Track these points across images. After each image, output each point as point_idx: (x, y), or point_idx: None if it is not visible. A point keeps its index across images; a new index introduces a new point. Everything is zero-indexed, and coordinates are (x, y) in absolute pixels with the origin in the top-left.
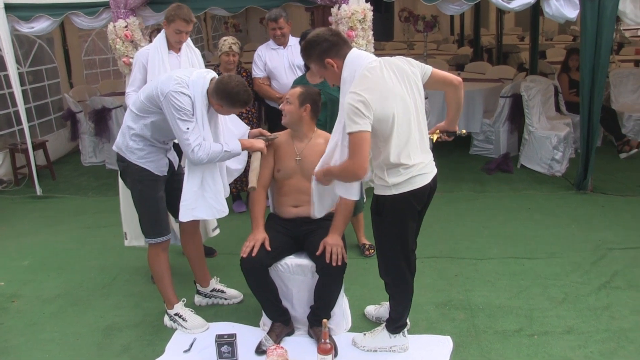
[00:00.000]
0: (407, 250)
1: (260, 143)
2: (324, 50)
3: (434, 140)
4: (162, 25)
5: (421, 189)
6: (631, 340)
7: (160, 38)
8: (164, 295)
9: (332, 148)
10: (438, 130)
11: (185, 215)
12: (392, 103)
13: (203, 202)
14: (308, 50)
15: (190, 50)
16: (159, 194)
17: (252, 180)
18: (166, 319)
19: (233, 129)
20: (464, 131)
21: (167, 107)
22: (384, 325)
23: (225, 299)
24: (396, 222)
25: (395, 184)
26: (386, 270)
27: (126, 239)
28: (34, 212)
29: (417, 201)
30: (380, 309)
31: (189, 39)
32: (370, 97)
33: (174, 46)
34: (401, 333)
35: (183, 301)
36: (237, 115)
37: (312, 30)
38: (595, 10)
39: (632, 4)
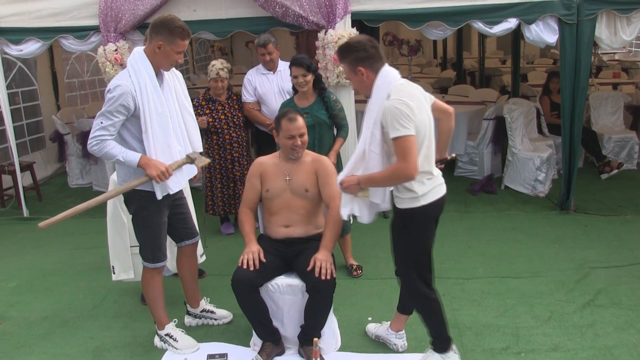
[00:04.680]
0: (429, 260)
1: (155, 170)
2: (361, 58)
3: None
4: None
5: (443, 198)
6: (615, 357)
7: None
8: (156, 317)
9: (358, 157)
10: None
11: (159, 193)
12: (424, 115)
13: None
14: (346, 52)
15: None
16: (163, 219)
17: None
18: (156, 339)
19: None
20: (453, 155)
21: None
22: (430, 348)
23: (215, 319)
24: (423, 233)
25: (424, 193)
26: (410, 285)
27: (114, 272)
28: (20, 234)
29: (439, 210)
30: (379, 328)
31: None
32: (413, 104)
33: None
34: (451, 351)
35: (174, 322)
36: (228, 139)
37: (300, 54)
38: (573, 35)
39: (607, 30)
